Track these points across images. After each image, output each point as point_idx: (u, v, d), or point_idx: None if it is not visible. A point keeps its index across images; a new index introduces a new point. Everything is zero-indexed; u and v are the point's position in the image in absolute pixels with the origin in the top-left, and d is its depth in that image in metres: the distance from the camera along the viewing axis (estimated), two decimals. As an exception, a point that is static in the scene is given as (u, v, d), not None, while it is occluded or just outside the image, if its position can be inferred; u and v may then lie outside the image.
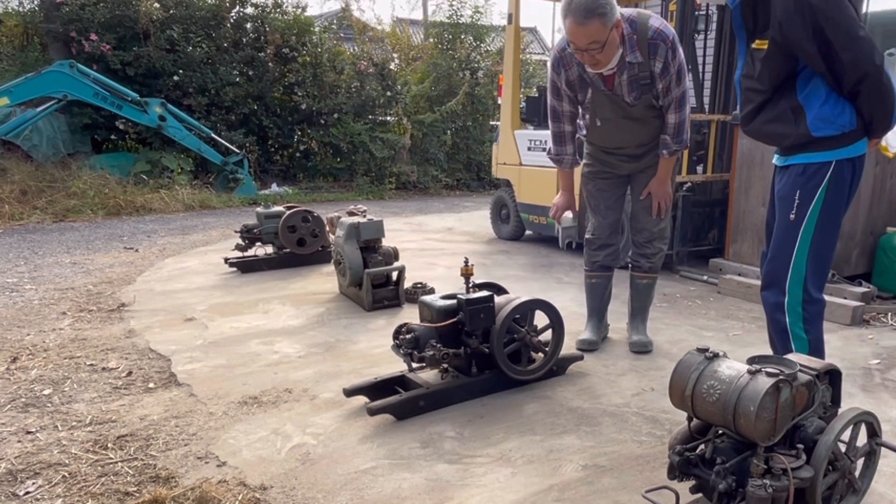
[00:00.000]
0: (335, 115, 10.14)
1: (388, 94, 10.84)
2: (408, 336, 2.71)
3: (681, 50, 2.86)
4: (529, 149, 6.13)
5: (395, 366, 2.92)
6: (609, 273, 3.39)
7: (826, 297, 3.96)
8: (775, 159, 2.38)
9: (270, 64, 9.86)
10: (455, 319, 2.69)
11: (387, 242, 4.32)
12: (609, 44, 2.67)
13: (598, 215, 3.30)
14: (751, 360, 1.75)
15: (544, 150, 5.97)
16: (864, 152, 2.20)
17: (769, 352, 1.97)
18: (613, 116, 3.01)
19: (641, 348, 3.29)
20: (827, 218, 2.20)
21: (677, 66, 2.84)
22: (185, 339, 3.49)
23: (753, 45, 2.21)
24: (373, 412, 2.52)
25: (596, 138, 3.16)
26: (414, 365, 2.73)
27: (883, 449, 1.85)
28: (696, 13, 5.11)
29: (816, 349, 2.29)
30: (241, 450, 2.34)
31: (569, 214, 3.37)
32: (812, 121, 2.14)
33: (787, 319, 2.28)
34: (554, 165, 3.36)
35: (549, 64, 3.02)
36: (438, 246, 6.30)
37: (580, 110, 3.11)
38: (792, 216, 2.21)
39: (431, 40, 12.57)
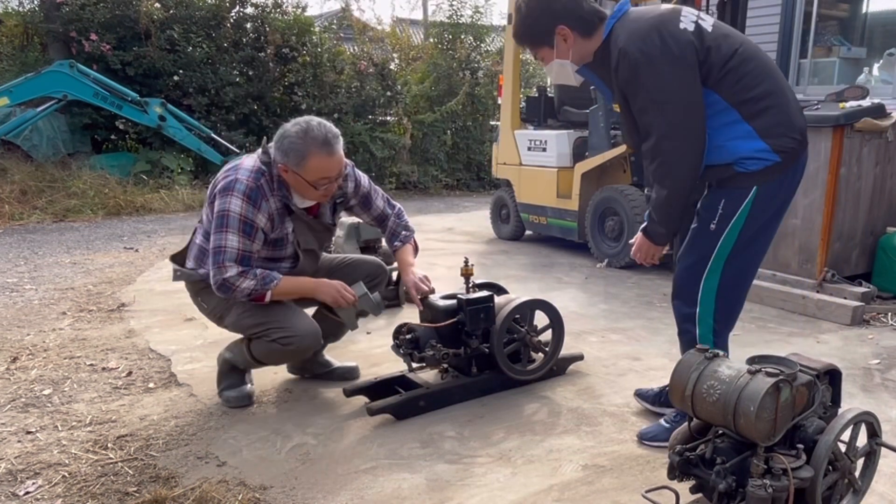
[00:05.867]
0: (335, 115, 10.13)
1: (388, 94, 10.84)
2: (408, 336, 2.71)
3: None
4: (529, 149, 6.13)
5: (395, 366, 2.92)
6: None
7: (826, 297, 4.01)
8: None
9: (270, 64, 9.85)
10: (455, 319, 2.69)
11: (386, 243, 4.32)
12: None
13: None
14: (751, 360, 1.74)
15: (544, 150, 5.98)
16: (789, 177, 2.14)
17: (769, 352, 1.97)
18: (315, 246, 2.72)
19: None
20: (748, 233, 2.15)
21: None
22: (185, 339, 3.49)
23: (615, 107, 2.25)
24: (373, 412, 2.52)
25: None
26: (414, 365, 2.73)
27: (883, 449, 1.85)
28: (696, 13, 5.11)
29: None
30: (241, 450, 2.34)
31: (358, 286, 2.66)
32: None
33: (698, 331, 2.23)
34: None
35: (236, 201, 2.40)
36: (438, 246, 6.30)
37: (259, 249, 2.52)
38: (713, 226, 2.15)
39: (431, 40, 12.56)
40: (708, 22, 2.09)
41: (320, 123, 2.42)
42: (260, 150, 2.53)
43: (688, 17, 2.06)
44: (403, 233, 2.90)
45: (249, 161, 2.51)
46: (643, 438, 2.39)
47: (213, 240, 2.43)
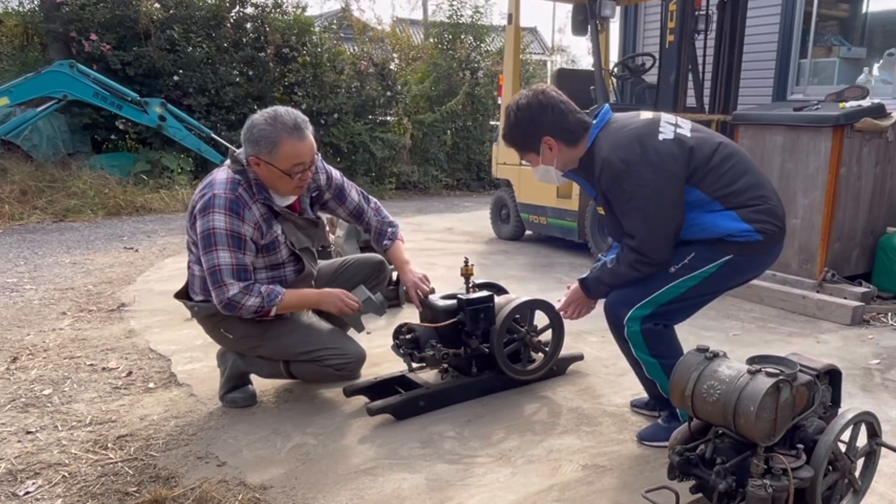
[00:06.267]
0: (335, 115, 10.13)
1: (388, 94, 10.83)
2: (408, 336, 2.71)
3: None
4: (529, 149, 6.11)
5: (395, 366, 2.92)
6: None
7: (826, 297, 4.01)
8: None
9: (270, 64, 9.84)
10: (455, 319, 2.69)
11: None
12: None
13: None
14: (751, 360, 1.75)
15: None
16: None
17: (769, 352, 1.97)
18: (309, 243, 2.66)
19: None
20: (700, 291, 2.21)
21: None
22: (185, 339, 3.49)
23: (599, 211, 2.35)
24: (373, 412, 2.52)
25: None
26: (414, 365, 2.73)
27: (883, 449, 1.85)
28: (696, 13, 5.11)
29: (667, 366, 2.22)
30: (241, 450, 2.34)
31: (360, 291, 2.65)
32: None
33: (632, 348, 2.28)
34: None
35: (219, 216, 2.34)
36: (438, 246, 6.30)
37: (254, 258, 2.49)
38: (672, 269, 2.19)
39: (431, 40, 12.56)
40: (685, 127, 2.22)
41: (287, 110, 2.40)
42: (228, 161, 2.48)
43: (667, 128, 2.18)
44: (389, 230, 2.86)
45: (221, 174, 2.44)
46: (643, 439, 2.39)
47: (204, 262, 2.38)
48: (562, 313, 2.60)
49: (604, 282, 2.30)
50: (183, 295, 2.67)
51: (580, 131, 2.25)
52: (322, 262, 2.86)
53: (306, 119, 2.44)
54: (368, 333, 2.88)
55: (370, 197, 2.89)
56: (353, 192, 2.82)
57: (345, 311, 2.58)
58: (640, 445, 2.37)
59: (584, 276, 2.42)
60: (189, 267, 2.62)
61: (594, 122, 2.27)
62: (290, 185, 2.45)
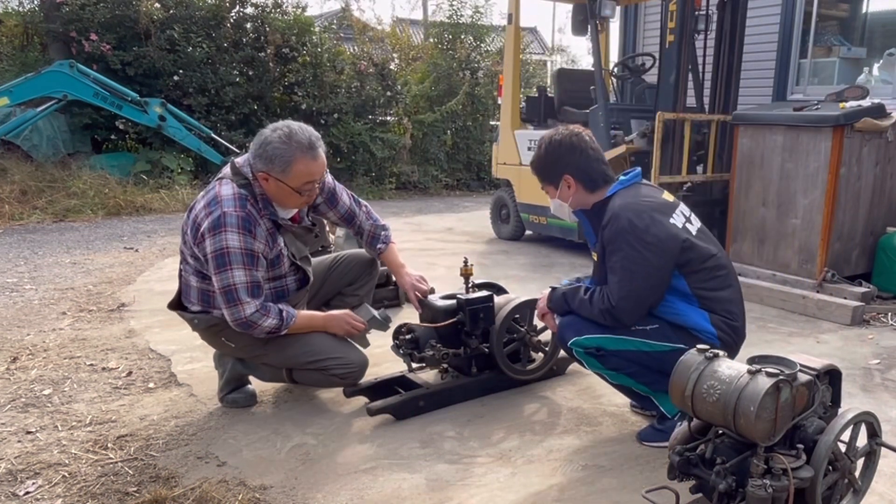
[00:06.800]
0: (335, 115, 10.13)
1: (388, 94, 10.83)
2: (408, 336, 2.71)
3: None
4: (529, 149, 6.11)
5: (395, 366, 2.92)
6: None
7: (826, 297, 4.01)
8: None
9: (270, 64, 9.84)
10: (455, 319, 2.69)
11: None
12: None
13: None
14: (751, 360, 1.74)
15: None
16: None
17: (769, 352, 1.97)
18: (307, 252, 2.68)
19: None
20: (643, 359, 2.27)
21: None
22: (185, 339, 3.48)
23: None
24: (373, 412, 2.52)
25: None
26: (414, 365, 2.73)
27: (883, 449, 1.85)
28: (696, 13, 5.11)
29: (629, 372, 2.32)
30: (241, 450, 2.34)
31: (365, 310, 2.68)
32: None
33: (585, 365, 2.38)
34: None
35: (232, 235, 2.32)
36: (438, 246, 6.30)
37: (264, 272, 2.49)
38: (633, 328, 2.25)
39: (431, 40, 12.56)
40: (695, 226, 2.35)
41: (301, 127, 2.39)
42: (230, 173, 2.44)
43: (680, 216, 2.31)
44: (382, 233, 2.86)
45: (227, 189, 2.38)
46: (643, 440, 2.41)
47: (217, 280, 2.34)
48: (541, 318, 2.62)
49: (569, 303, 2.36)
50: (176, 304, 2.61)
51: (600, 181, 2.37)
52: (315, 260, 2.86)
53: (319, 136, 2.44)
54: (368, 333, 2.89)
55: (361, 200, 2.88)
56: (345, 195, 2.81)
57: (351, 333, 2.60)
58: (641, 445, 2.38)
59: (556, 287, 2.46)
60: (181, 276, 2.57)
61: (622, 178, 2.38)
62: (299, 202, 2.47)
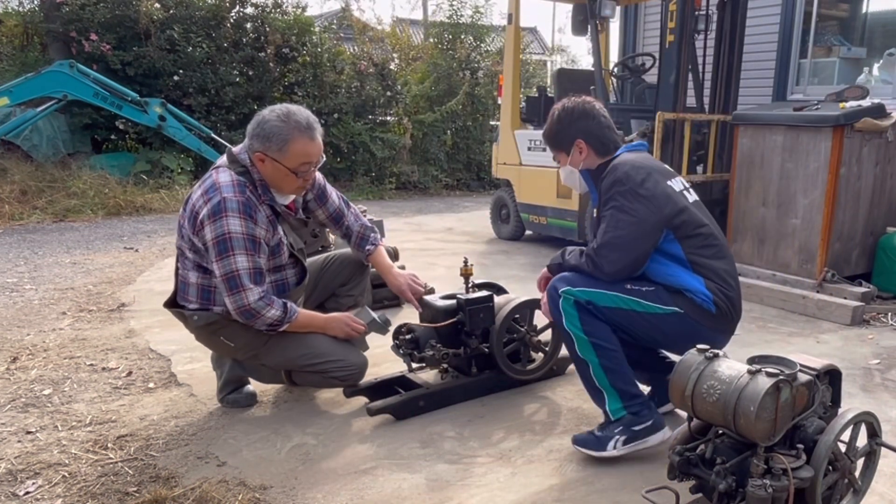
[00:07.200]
0: (335, 115, 10.13)
1: (388, 94, 10.83)
2: (408, 336, 2.71)
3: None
4: (529, 149, 6.12)
5: (395, 366, 2.92)
6: None
7: (826, 297, 4.01)
8: None
9: (271, 64, 9.84)
10: (455, 319, 2.69)
11: (387, 242, 4.31)
12: None
13: None
14: (751, 360, 1.74)
15: (544, 150, 5.97)
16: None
17: (769, 352, 1.97)
18: (302, 244, 2.65)
19: None
20: (635, 320, 2.24)
21: None
22: (185, 339, 3.46)
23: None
24: (373, 412, 2.52)
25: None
26: (414, 365, 2.73)
27: (883, 449, 1.85)
28: (696, 13, 5.11)
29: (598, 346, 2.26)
30: (241, 450, 2.34)
31: (365, 313, 2.67)
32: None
33: (563, 320, 2.27)
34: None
35: (234, 220, 2.29)
36: (438, 246, 6.30)
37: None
38: (628, 286, 2.24)
39: (431, 40, 12.56)
40: (692, 196, 2.38)
41: (299, 108, 2.40)
42: (227, 161, 2.41)
43: (678, 182, 2.35)
44: (371, 235, 2.85)
45: (224, 176, 2.35)
46: (574, 441, 2.31)
47: (219, 267, 2.29)
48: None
49: (563, 256, 2.40)
50: (172, 304, 2.56)
51: (611, 147, 2.43)
52: (307, 261, 2.85)
53: (316, 119, 2.43)
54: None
55: (350, 202, 2.88)
56: (334, 195, 2.80)
57: (351, 335, 2.59)
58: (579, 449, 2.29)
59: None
60: (177, 274, 2.53)
61: (628, 145, 2.45)
62: (295, 184, 2.43)
